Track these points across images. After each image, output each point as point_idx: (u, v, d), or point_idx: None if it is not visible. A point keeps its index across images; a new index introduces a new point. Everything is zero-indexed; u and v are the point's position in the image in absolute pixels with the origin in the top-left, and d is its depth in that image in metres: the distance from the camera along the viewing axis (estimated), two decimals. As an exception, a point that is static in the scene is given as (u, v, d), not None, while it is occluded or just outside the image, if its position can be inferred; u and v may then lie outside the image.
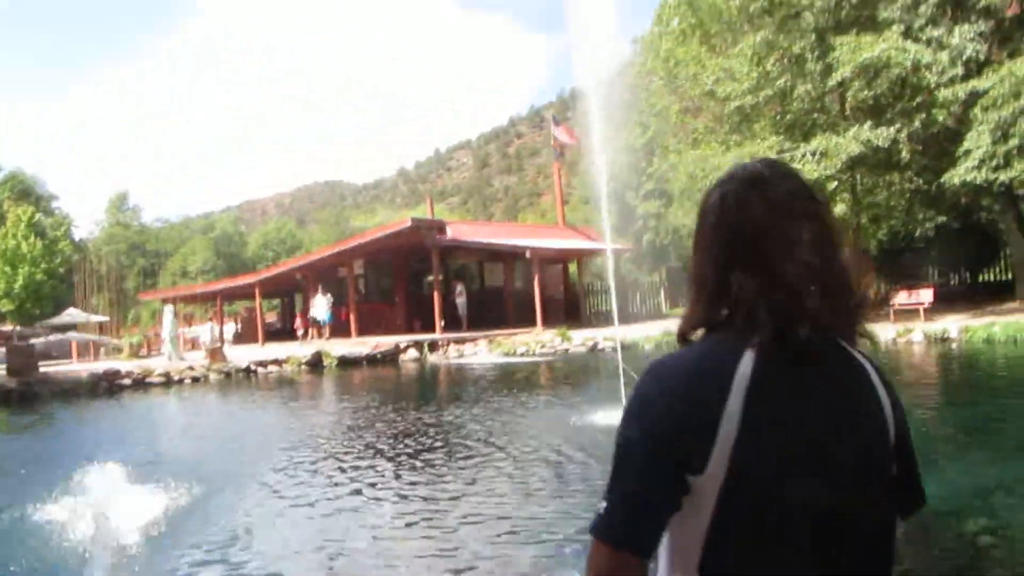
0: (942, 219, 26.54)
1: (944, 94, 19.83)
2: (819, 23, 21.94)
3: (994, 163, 18.59)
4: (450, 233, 28.51)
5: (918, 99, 20.46)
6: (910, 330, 19.52)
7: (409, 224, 28.41)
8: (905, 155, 21.22)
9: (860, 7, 21.73)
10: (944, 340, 18.60)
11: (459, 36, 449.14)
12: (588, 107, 13.77)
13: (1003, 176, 18.74)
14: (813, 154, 21.81)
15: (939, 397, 11.93)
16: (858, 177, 22.16)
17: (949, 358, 16.58)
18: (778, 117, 23.73)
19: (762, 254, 1.28)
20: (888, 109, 21.29)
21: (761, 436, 1.21)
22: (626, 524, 1.23)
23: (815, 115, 23.59)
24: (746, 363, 1.24)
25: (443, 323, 26.78)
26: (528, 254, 27.18)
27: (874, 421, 1.32)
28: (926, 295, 21.91)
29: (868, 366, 1.35)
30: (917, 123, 20.55)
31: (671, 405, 1.24)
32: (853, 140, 20.89)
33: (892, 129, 20.78)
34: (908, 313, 21.61)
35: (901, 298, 22.28)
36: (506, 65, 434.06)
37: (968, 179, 19.28)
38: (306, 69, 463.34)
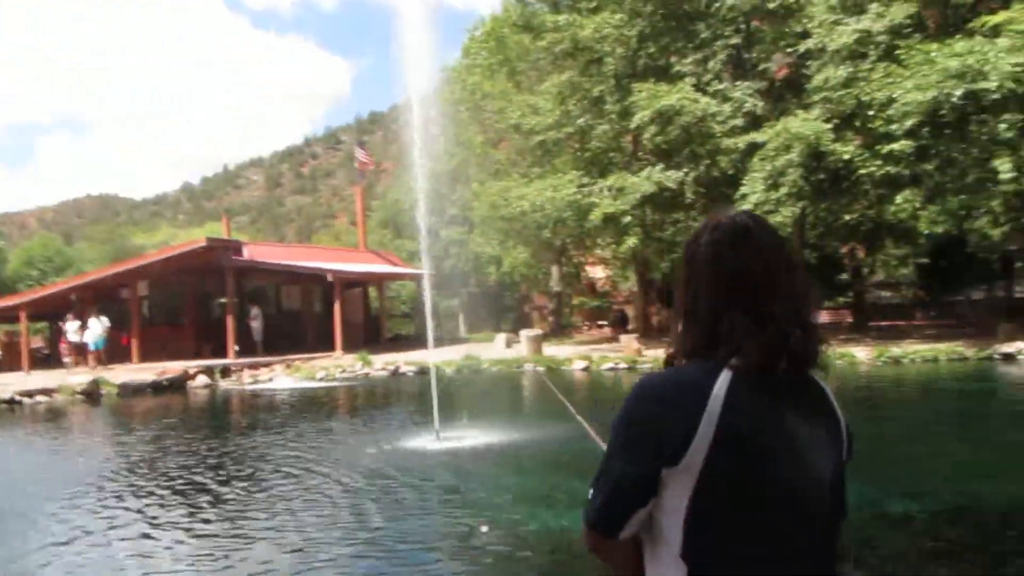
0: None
1: (727, 143, 21.83)
2: (619, 69, 23.45)
3: (767, 207, 20.62)
4: (247, 254, 27.37)
5: (706, 146, 22.34)
6: (693, 357, 21.08)
7: (204, 243, 26.99)
8: (691, 196, 23.07)
9: (656, 58, 23.48)
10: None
11: (252, 53, 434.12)
12: (409, 130, 13.82)
13: (773, 220, 20.82)
14: (610, 189, 23.20)
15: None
16: (648, 213, 23.74)
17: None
18: (578, 153, 24.99)
19: (752, 297, 1.46)
20: (677, 153, 23.07)
21: (734, 438, 1.39)
22: (608, 514, 1.47)
23: (612, 154, 25.11)
24: (723, 380, 1.42)
25: (237, 348, 25.58)
26: (330, 277, 26.65)
27: (832, 436, 1.54)
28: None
29: (827, 390, 1.57)
30: (702, 168, 22.47)
31: (655, 408, 1.42)
32: (646, 179, 22.47)
33: (681, 172, 22.58)
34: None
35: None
36: (302, 84, 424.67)
37: (743, 221, 21.27)
38: (84, 80, 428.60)
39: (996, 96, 17.11)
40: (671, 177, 22.49)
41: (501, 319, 33.68)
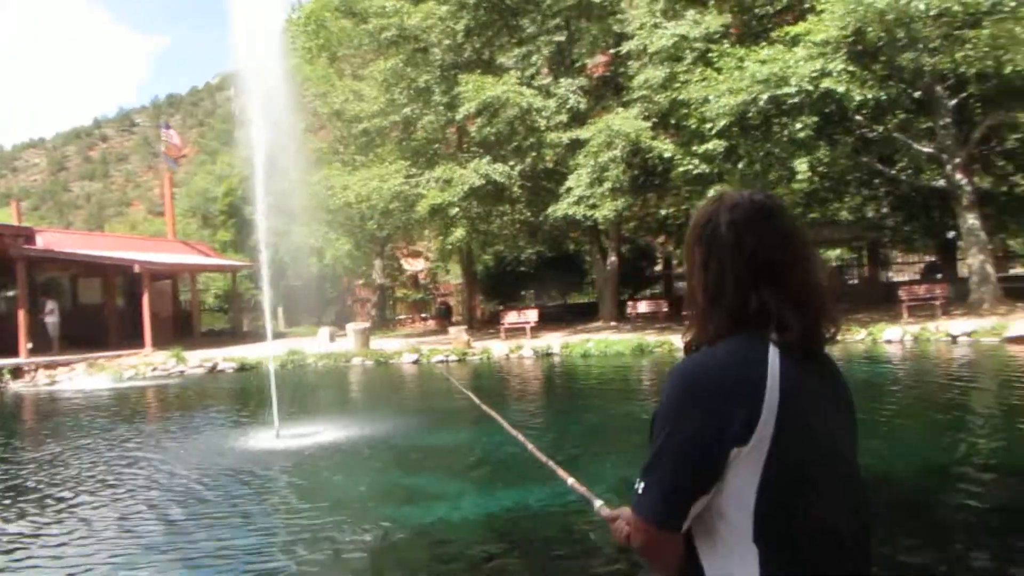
0: (540, 248, 29.70)
1: (552, 137, 22.31)
2: (445, 60, 23.37)
3: (591, 201, 21.33)
4: (41, 242, 24.92)
5: (531, 140, 22.72)
6: (520, 346, 21.47)
7: (-11, 230, 24.30)
8: (516, 189, 23.41)
9: (481, 51, 23.59)
10: (548, 355, 20.76)
11: (36, 23, 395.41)
12: (248, 111, 13.00)
13: (597, 213, 21.55)
14: (437, 181, 23.10)
15: (574, 401, 13.32)
16: (475, 205, 23.86)
17: (557, 369, 18.51)
18: (404, 143, 24.69)
19: (779, 275, 1.48)
20: (503, 146, 23.33)
21: (795, 408, 1.41)
22: (669, 505, 1.42)
23: (437, 145, 25.01)
24: (775, 358, 1.44)
25: (30, 346, 23.21)
26: (138, 268, 24.78)
27: (850, 410, 1.61)
28: (532, 315, 24.29)
29: (837, 364, 1.63)
30: (528, 161, 22.84)
31: (716, 390, 1.41)
32: (474, 172, 22.55)
33: (507, 165, 22.84)
34: (516, 331, 23.75)
35: (511, 318, 24.42)
36: (94, 62, 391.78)
37: (569, 213, 21.86)
38: None
39: (795, 100, 18.58)
40: (498, 170, 22.73)
41: (323, 312, 32.73)
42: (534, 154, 22.85)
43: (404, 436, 10.47)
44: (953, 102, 21.52)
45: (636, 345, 20.28)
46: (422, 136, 24.82)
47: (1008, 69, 18.14)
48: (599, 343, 20.76)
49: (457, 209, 23.10)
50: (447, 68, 23.61)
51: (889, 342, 18.60)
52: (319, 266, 28.61)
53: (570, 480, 2.23)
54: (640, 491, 1.44)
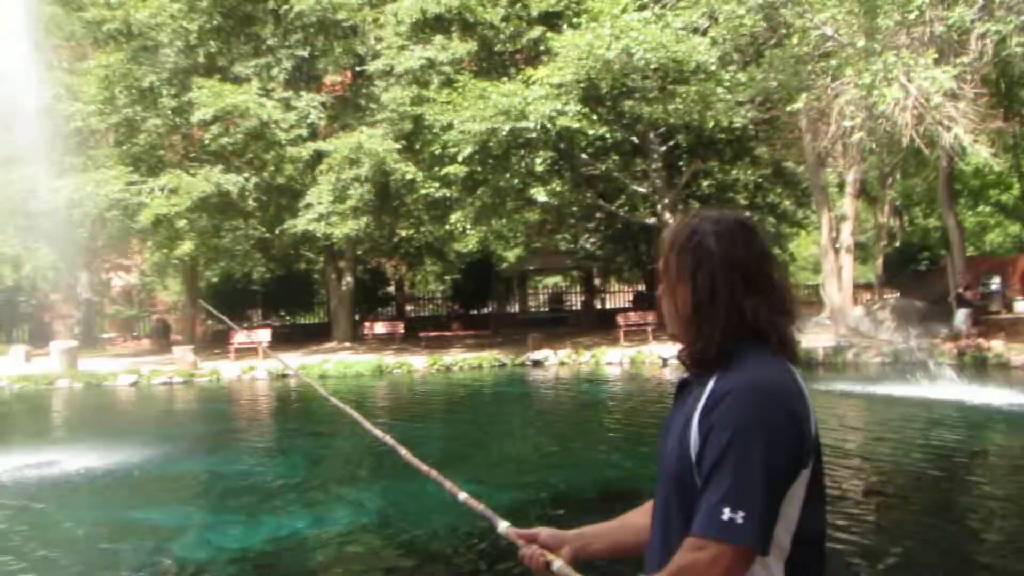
0: (272, 266, 28.59)
1: (292, 151, 21.62)
2: (177, 62, 21.86)
3: (332, 219, 20.92)
4: None
5: (270, 153, 21.84)
6: (253, 367, 20.45)
7: None
8: (252, 202, 22.38)
9: (216, 56, 22.38)
10: (284, 376, 19.97)
11: None
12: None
13: (337, 231, 21.18)
14: (162, 189, 21.44)
15: (315, 427, 12.88)
16: (204, 218, 22.43)
17: (295, 391, 17.85)
18: (124, 147, 22.67)
19: (766, 284, 1.56)
20: (238, 157, 22.22)
21: (817, 435, 1.51)
22: (766, 530, 1.39)
23: (163, 152, 23.25)
24: (797, 375, 1.52)
25: None
26: None
27: None
28: (264, 335, 23.27)
29: None
30: (267, 174, 21.95)
31: (799, 407, 1.46)
32: (204, 180, 21.21)
33: (242, 177, 21.77)
34: (247, 351, 22.60)
35: (240, 337, 23.19)
36: None
37: (309, 229, 21.28)
38: None
39: (533, 135, 19.66)
40: (232, 180, 21.57)
41: (14, 330, 28.83)
42: (273, 168, 21.98)
43: (130, 465, 9.51)
44: (663, 148, 23.98)
45: (375, 366, 20.16)
46: (145, 141, 22.91)
47: (710, 123, 20.59)
48: (337, 364, 20.36)
49: (184, 221, 21.57)
50: (178, 71, 22.06)
51: (610, 364, 20.16)
52: (14, 278, 25.20)
53: (461, 495, 2.12)
54: (739, 520, 1.37)
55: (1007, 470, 8.00)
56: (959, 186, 27.03)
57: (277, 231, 23.41)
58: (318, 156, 21.57)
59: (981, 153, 13.87)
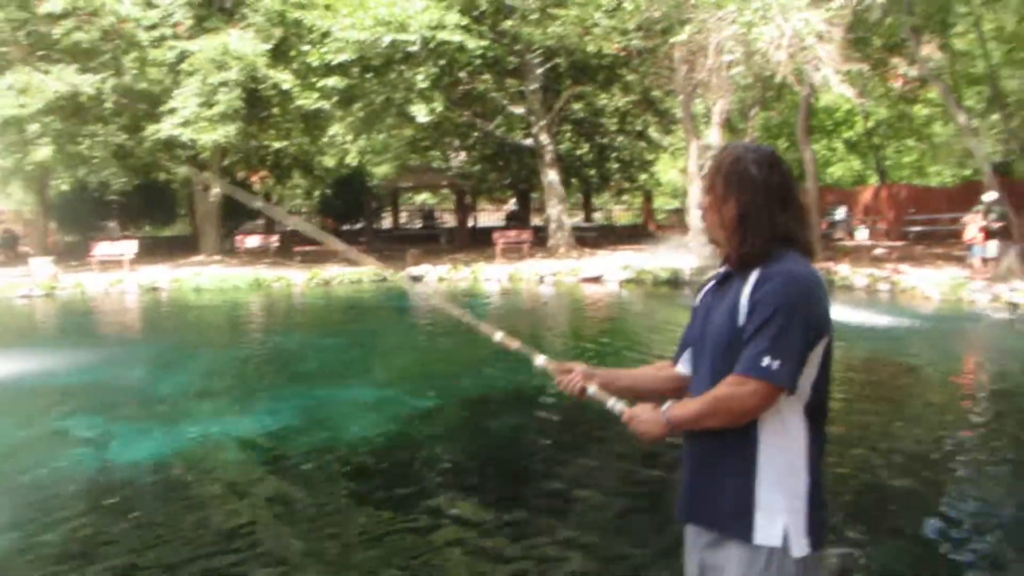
0: (129, 176, 27.12)
1: (154, 53, 20.41)
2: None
3: (199, 125, 20.02)
4: None
5: (131, 54, 20.52)
6: (121, 280, 19.66)
7: None
8: (110, 106, 21.07)
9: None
10: (155, 289, 19.34)
11: None
12: None
13: (204, 136, 20.29)
14: (11, 88, 19.82)
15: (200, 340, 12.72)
16: (59, 122, 20.94)
17: (168, 305, 17.38)
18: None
19: (793, 202, 2.02)
20: (95, 56, 20.74)
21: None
22: (794, 376, 1.86)
23: (7, 49, 21.37)
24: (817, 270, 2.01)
25: None
26: None
27: None
28: (130, 247, 22.27)
29: None
30: (129, 76, 20.64)
31: (822, 294, 1.93)
32: (58, 80, 19.77)
33: (99, 77, 20.41)
34: (111, 264, 21.62)
35: (104, 249, 22.15)
36: None
37: (173, 135, 20.32)
38: None
39: (415, 48, 19.44)
40: (88, 82, 20.16)
41: None
42: (135, 70, 20.65)
43: (22, 377, 9.22)
44: (541, 71, 24.26)
45: (253, 280, 19.83)
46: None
47: (589, 48, 20.99)
48: (213, 278, 19.87)
49: (37, 124, 20.08)
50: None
51: (488, 280, 20.68)
52: None
53: (498, 335, 2.47)
54: (775, 366, 1.81)
55: (863, 375, 9.07)
56: (813, 122, 28.85)
57: (138, 138, 22.20)
58: (182, 58, 20.46)
59: (845, 93, 15.00)
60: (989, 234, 15.11)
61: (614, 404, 2.12)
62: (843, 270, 17.44)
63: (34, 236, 26.20)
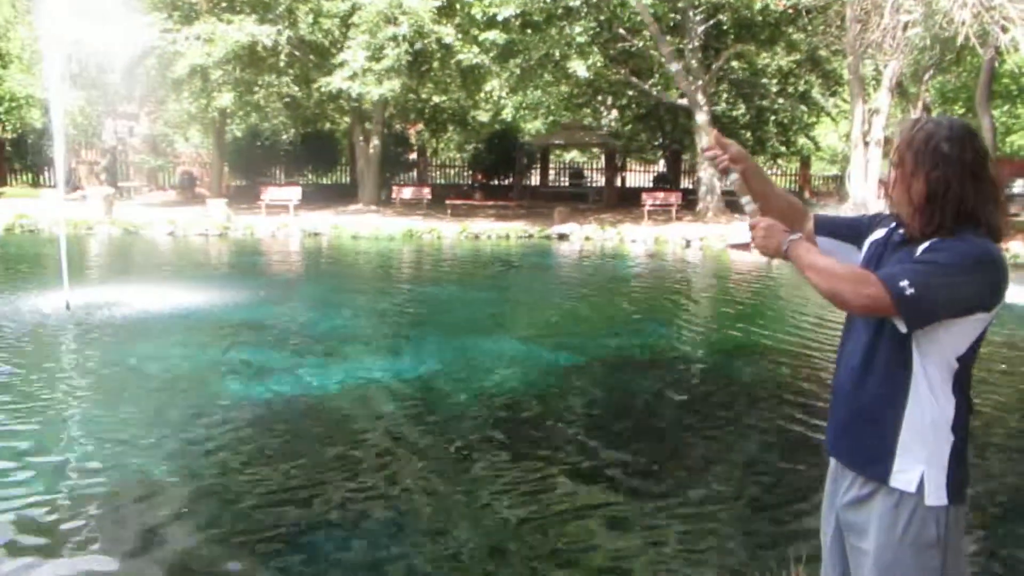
0: (297, 125, 28.56)
1: (328, 5, 21.28)
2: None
3: (367, 79, 20.79)
4: None
5: (309, 5, 21.49)
6: (286, 224, 20.90)
7: None
8: (285, 57, 22.20)
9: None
10: (316, 235, 20.45)
11: None
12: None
13: (373, 90, 21.08)
14: (198, 38, 21.23)
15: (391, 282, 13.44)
16: (237, 70, 22.32)
17: (336, 252, 18.36)
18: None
19: (984, 180, 1.97)
20: (272, 8, 21.84)
21: None
22: (917, 312, 1.86)
23: (196, 0, 22.84)
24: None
25: None
26: None
27: None
28: (295, 193, 23.56)
29: None
30: (302, 28, 21.63)
31: (996, 271, 1.92)
32: (239, 30, 20.98)
33: (275, 28, 21.50)
34: (277, 208, 22.97)
35: (272, 194, 23.55)
36: None
37: (344, 88, 21.20)
38: None
39: (576, 3, 19.37)
40: (266, 32, 21.30)
41: (40, 172, 29.07)
42: (310, 21, 21.60)
43: (203, 310, 10.07)
44: (703, 28, 23.60)
45: (407, 231, 20.61)
46: (178, -14, 22.53)
47: (758, 5, 20.23)
48: (369, 227, 20.81)
49: (220, 72, 21.48)
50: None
51: (634, 241, 20.59)
52: (43, 121, 25.21)
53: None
54: (909, 292, 1.81)
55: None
56: (995, 87, 26.68)
57: (308, 89, 23.31)
58: (353, 10, 21.22)
59: (1036, 55, 13.83)
60: None
61: (748, 202, 2.16)
62: (1015, 247, 16.28)
63: (210, 179, 28.13)
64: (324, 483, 4.65)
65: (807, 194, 32.21)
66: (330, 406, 6.23)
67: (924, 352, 1.93)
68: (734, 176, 2.18)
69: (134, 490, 4.53)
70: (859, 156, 21.87)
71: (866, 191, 21.77)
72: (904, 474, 1.93)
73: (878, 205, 21.67)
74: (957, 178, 1.93)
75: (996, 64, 21.92)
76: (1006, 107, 32.68)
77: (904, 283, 1.83)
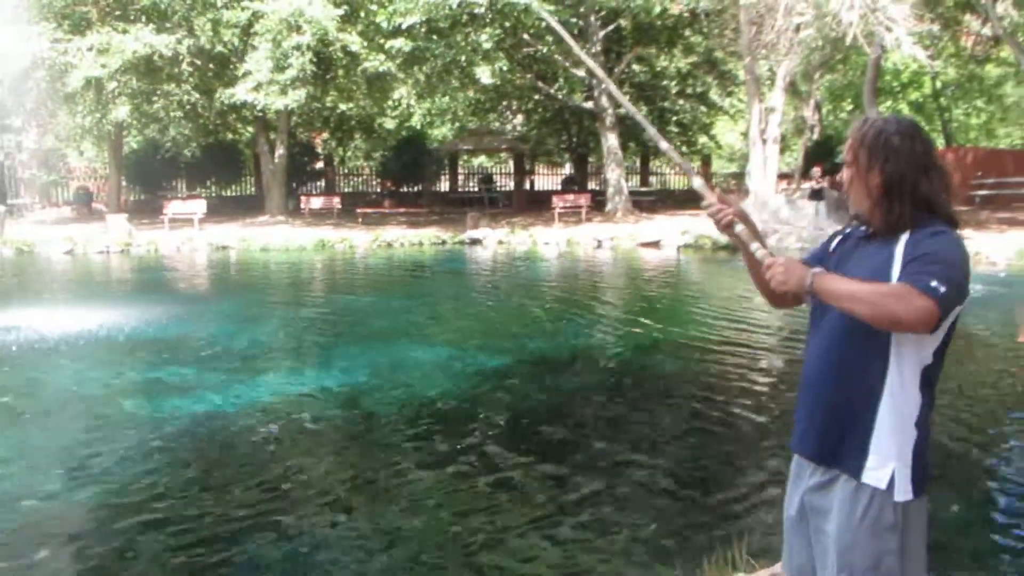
0: (198, 135, 27.78)
1: (228, 15, 20.81)
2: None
3: (272, 88, 20.44)
4: None
5: (206, 15, 20.95)
6: (191, 239, 20.35)
7: None
8: (186, 67, 21.61)
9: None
10: (224, 248, 19.98)
11: None
12: None
13: (277, 101, 20.74)
14: (90, 49, 20.46)
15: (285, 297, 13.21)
16: (135, 81, 21.60)
17: (246, 265, 17.97)
18: (45, 2, 21.36)
19: (935, 171, 2.07)
20: (170, 17, 21.23)
21: None
22: (950, 307, 1.89)
23: (86, 8, 21.99)
24: None
25: None
26: None
27: None
28: (199, 206, 22.94)
29: None
30: (202, 37, 21.09)
31: (967, 268, 1.98)
32: (136, 40, 20.33)
33: (174, 38, 20.92)
34: (181, 222, 22.32)
35: (175, 207, 22.87)
36: None
37: (248, 99, 20.78)
38: None
39: (481, 10, 19.51)
40: (164, 42, 20.70)
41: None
42: (209, 31, 21.06)
43: (109, 330, 9.73)
44: (604, 32, 24.11)
45: (317, 241, 20.34)
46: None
47: (655, 9, 20.82)
48: (279, 238, 20.47)
49: (116, 83, 20.75)
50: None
51: (547, 243, 20.88)
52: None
53: (664, 144, 2.73)
54: (942, 290, 1.84)
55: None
56: (880, 84, 28.18)
57: (210, 99, 22.75)
58: (255, 19, 20.82)
59: (917, 54, 14.72)
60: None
61: (757, 248, 2.16)
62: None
63: (108, 193, 27.09)
64: (247, 501, 4.58)
65: (709, 192, 33.21)
66: (251, 422, 6.10)
67: (901, 350, 1.98)
68: (740, 228, 2.19)
69: (32, 516, 4.39)
70: (757, 153, 22.73)
71: (765, 186, 22.63)
72: (876, 471, 1.99)
73: (777, 200, 22.59)
74: (911, 169, 2.03)
75: (881, 62, 23.14)
76: (890, 103, 34.53)
77: (934, 282, 1.85)
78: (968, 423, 5.81)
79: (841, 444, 2.05)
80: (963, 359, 7.81)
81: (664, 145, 2.63)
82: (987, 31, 23.23)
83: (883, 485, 1.98)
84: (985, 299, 11.46)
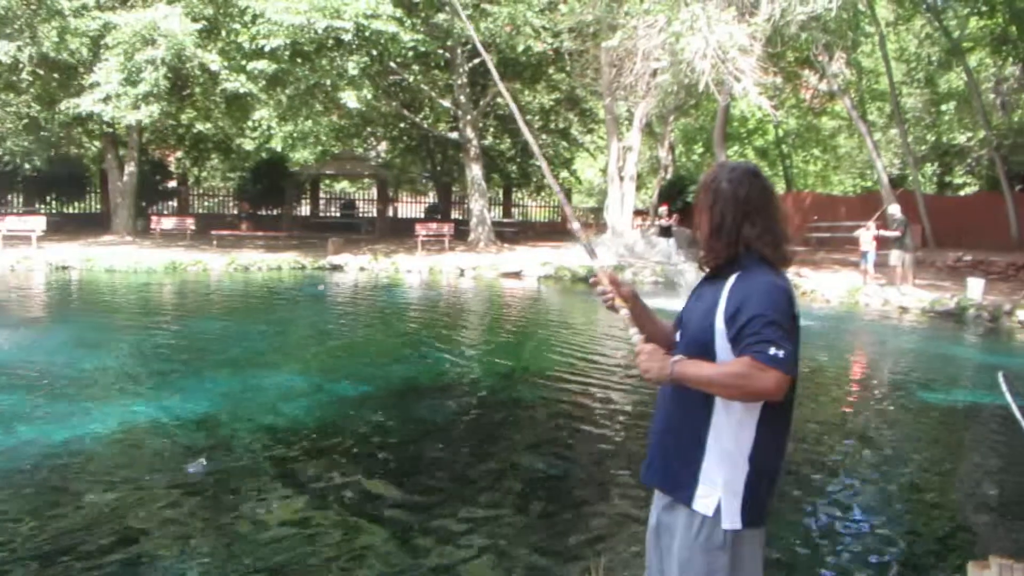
0: (38, 148, 26.06)
1: (76, 23, 19.76)
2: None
3: (124, 102, 19.49)
4: None
5: (54, 23, 19.79)
6: (28, 257, 19.03)
7: None
8: (28, 76, 20.31)
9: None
10: (65, 268, 18.78)
11: None
12: None
13: (128, 115, 19.79)
14: (-85, 51, 18.91)
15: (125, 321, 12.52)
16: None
17: (89, 287, 16.93)
18: None
19: (762, 215, 2.19)
20: (10, 24, 19.93)
21: None
22: (793, 362, 2.01)
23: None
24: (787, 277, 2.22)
25: None
26: None
27: None
28: (38, 223, 21.50)
29: None
30: (48, 46, 19.89)
31: (792, 308, 2.10)
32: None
33: (15, 45, 19.65)
34: (17, 239, 20.85)
35: (11, 224, 21.33)
36: None
37: (95, 112, 19.72)
38: None
39: (348, 36, 19.39)
40: (3, 49, 19.39)
41: None
42: (55, 39, 19.87)
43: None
44: (470, 65, 24.49)
45: (168, 263, 19.43)
46: None
47: (520, 47, 21.36)
48: (126, 259, 19.42)
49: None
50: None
51: (409, 271, 20.81)
52: None
53: (576, 224, 2.95)
54: (782, 355, 1.94)
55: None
56: (728, 129, 29.98)
57: (52, 111, 21.46)
58: (106, 30, 19.87)
59: (763, 104, 15.81)
60: (882, 243, 16.15)
61: (634, 334, 2.24)
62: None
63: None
64: (92, 531, 4.35)
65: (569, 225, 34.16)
66: (99, 453, 5.78)
67: None
68: (624, 312, 2.29)
69: None
70: (615, 189, 23.59)
71: (623, 222, 23.50)
72: (703, 499, 2.11)
73: (633, 235, 23.51)
74: (731, 212, 2.15)
75: (730, 109, 24.62)
76: (737, 147, 36.74)
77: (772, 349, 1.95)
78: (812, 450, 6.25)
79: (676, 475, 2.18)
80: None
81: (575, 227, 2.96)
82: (823, 86, 25.20)
83: (710, 512, 2.10)
84: (821, 332, 12.36)
